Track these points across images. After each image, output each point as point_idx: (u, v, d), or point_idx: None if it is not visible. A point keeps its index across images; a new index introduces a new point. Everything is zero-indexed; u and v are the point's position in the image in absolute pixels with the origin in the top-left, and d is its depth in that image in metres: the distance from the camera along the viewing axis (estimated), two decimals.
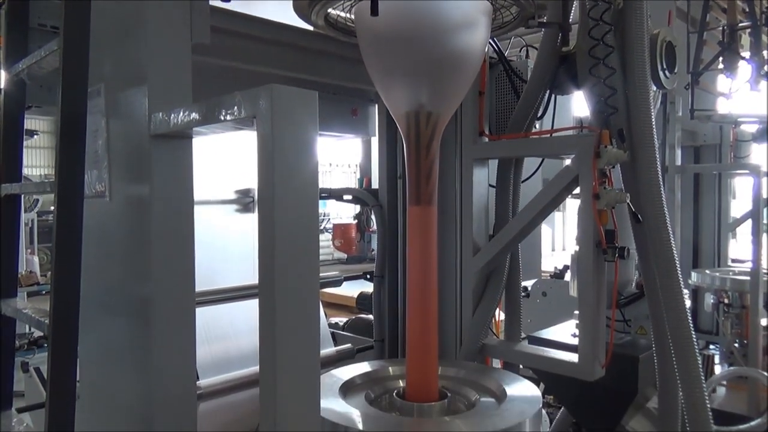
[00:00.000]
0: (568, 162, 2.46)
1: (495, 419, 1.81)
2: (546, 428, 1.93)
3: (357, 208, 16.73)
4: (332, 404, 1.88)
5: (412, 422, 1.90)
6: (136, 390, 1.73)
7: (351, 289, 5.92)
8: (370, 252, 14.74)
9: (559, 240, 17.41)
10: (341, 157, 18.51)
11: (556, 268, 6.33)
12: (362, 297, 3.52)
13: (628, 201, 2.30)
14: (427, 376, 2.01)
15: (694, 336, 2.20)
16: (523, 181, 2.89)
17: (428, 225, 2.02)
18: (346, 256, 15.92)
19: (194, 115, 1.45)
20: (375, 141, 3.22)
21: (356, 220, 16.26)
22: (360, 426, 1.75)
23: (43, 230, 12.01)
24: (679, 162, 5.16)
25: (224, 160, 2.75)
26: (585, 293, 2.32)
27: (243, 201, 2.79)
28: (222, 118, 1.36)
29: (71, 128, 1.53)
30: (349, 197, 3.21)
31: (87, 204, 1.65)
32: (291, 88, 1.25)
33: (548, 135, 2.58)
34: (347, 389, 2.08)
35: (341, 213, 18.39)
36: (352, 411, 1.86)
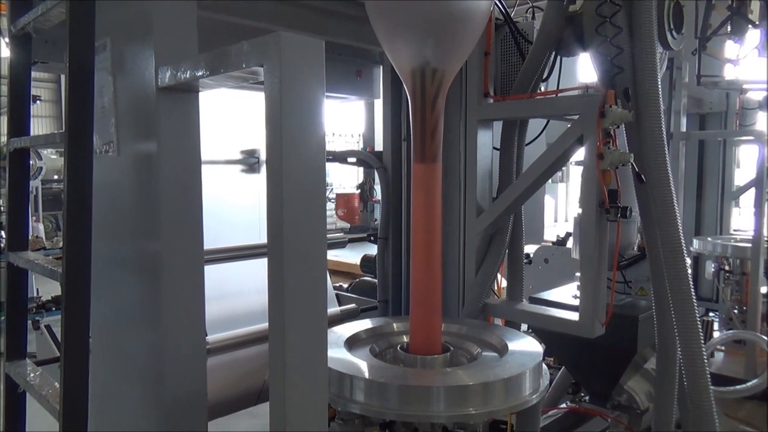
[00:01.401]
0: None
1: (496, 370, 1.86)
2: (546, 381, 1.97)
3: (360, 178, 16.74)
4: (338, 356, 1.92)
5: (415, 372, 1.95)
6: (147, 344, 1.78)
7: (354, 256, 5.97)
8: (373, 222, 14.77)
9: (561, 211, 17.42)
10: (344, 127, 18.42)
11: (558, 236, 6.36)
12: (366, 259, 3.56)
13: (632, 161, 2.31)
14: (430, 329, 2.06)
15: (693, 295, 2.23)
16: (527, 144, 2.90)
17: (433, 182, 2.04)
18: (349, 226, 15.98)
19: (201, 67, 1.45)
20: (379, 106, 3.22)
21: (359, 190, 16.27)
22: (366, 375, 1.80)
23: (47, 198, 12.06)
24: (684, 129, 5.14)
25: (229, 120, 2.76)
26: (587, 252, 2.35)
27: (248, 161, 2.80)
28: (229, 68, 1.36)
29: (80, 78, 1.54)
30: (353, 160, 3.22)
31: (95, 162, 1.67)
32: (298, 36, 1.26)
33: (553, 96, 2.57)
34: (352, 343, 2.13)
35: (344, 183, 18.39)
36: (357, 361, 1.91)
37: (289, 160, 1.26)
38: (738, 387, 4.01)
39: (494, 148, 2.90)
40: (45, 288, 7.90)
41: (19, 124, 1.91)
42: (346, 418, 1.81)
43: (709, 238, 5.35)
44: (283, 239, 1.25)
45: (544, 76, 2.70)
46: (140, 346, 1.83)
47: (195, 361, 1.76)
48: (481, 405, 1.73)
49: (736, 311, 5.15)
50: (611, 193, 2.30)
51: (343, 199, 16.26)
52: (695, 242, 5.24)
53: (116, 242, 1.88)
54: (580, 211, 2.50)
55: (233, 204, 2.79)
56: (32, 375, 1.85)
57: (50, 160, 13.89)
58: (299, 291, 1.28)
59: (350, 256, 7.74)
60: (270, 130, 1.26)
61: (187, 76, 1.51)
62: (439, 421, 1.84)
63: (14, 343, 1.96)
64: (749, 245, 4.78)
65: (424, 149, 2.02)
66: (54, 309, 6.20)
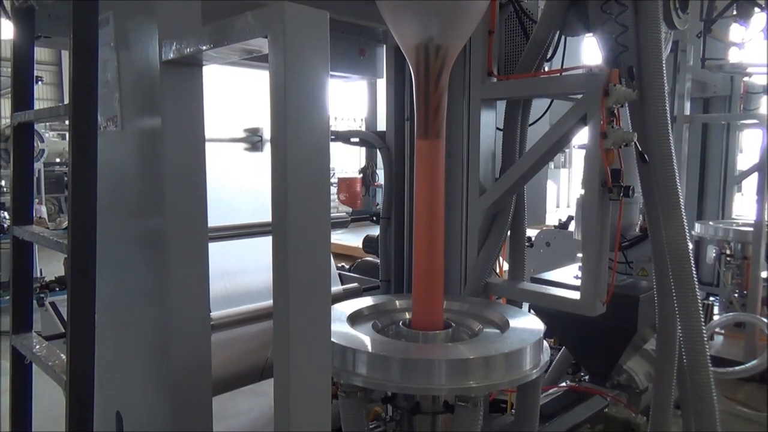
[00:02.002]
0: None
1: (497, 345, 1.88)
2: (547, 357, 1.99)
3: (362, 163, 16.71)
4: (341, 330, 1.94)
5: (417, 347, 1.97)
6: (152, 318, 1.80)
7: (356, 240, 5.99)
8: (375, 206, 14.78)
9: (564, 196, 17.40)
10: (347, 110, 18.35)
11: (560, 219, 6.36)
12: (368, 240, 3.57)
13: (635, 140, 2.31)
14: (432, 305, 2.07)
15: (695, 274, 2.24)
16: (530, 125, 2.89)
17: (436, 158, 2.04)
18: (351, 210, 16.00)
19: (205, 40, 1.45)
20: (381, 88, 3.21)
21: (361, 174, 16.25)
22: (369, 349, 1.82)
23: (50, 180, 12.09)
24: (687, 113, 5.12)
25: (232, 98, 2.76)
26: (589, 231, 2.35)
27: (251, 140, 2.80)
28: (233, 39, 1.36)
29: (83, 52, 1.54)
30: (356, 140, 3.22)
31: (99, 138, 1.67)
32: (302, 7, 1.25)
33: (557, 74, 2.56)
34: (354, 320, 2.15)
35: (346, 167, 18.36)
36: (360, 336, 1.93)
37: (294, 131, 1.26)
38: (737, 368, 4.04)
39: (497, 128, 2.89)
40: (49, 269, 7.96)
41: (23, 98, 1.91)
42: (348, 391, 1.83)
43: (711, 223, 5.36)
44: (287, 216, 1.25)
45: (548, 56, 2.69)
46: (145, 320, 1.85)
47: (199, 335, 1.78)
48: (482, 378, 1.75)
49: (736, 295, 5.18)
50: (614, 172, 2.30)
51: (345, 184, 16.24)
52: (697, 226, 5.25)
53: (121, 218, 1.89)
54: (582, 192, 2.50)
55: (236, 183, 2.80)
56: (38, 347, 1.87)
57: (52, 143, 13.91)
58: (303, 267, 1.29)
59: (352, 239, 7.74)
60: (274, 100, 1.26)
61: (191, 49, 1.51)
62: (441, 394, 1.87)
63: (20, 316, 1.98)
64: (751, 229, 4.78)
65: (427, 125, 2.02)
66: (57, 289, 6.24)
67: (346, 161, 18.44)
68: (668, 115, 2.32)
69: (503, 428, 2.49)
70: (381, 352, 1.81)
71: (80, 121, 1.51)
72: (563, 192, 17.51)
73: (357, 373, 1.79)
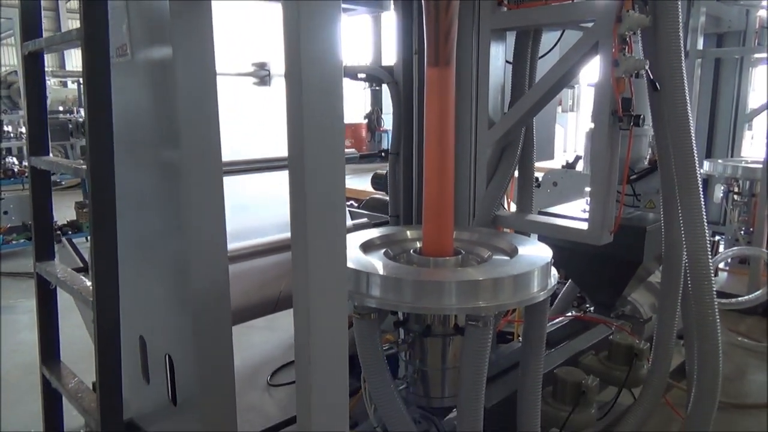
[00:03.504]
0: None
1: (506, 268, 1.92)
2: (554, 281, 2.04)
3: (367, 109, 16.52)
4: (354, 256, 1.99)
5: (428, 270, 2.02)
6: (172, 248, 1.85)
7: (363, 183, 6.00)
8: (381, 152, 14.70)
9: (571, 140, 17.23)
10: (350, 51, 17.97)
11: (567, 160, 6.34)
12: (377, 177, 3.58)
13: (646, 68, 2.29)
14: (442, 232, 2.11)
15: (702, 200, 2.26)
16: (540, 57, 2.86)
17: (446, 86, 2.03)
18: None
19: None
20: (386, 25, 3.14)
21: (366, 120, 16.11)
22: (381, 273, 1.87)
23: (54, 128, 12.03)
24: (700, 48, 5.02)
25: (238, 32, 2.72)
26: (598, 161, 2.36)
27: (259, 74, 2.79)
28: None
29: None
30: (363, 75, 3.18)
31: (111, 71, 1.66)
32: None
33: (569, 2, 2.51)
34: (367, 248, 2.19)
35: (351, 114, 18.16)
36: (373, 261, 1.98)
37: (308, 64, 1.26)
38: (740, 299, 4.11)
39: (507, 61, 2.86)
40: (59, 214, 8.06)
41: (32, 26, 1.90)
42: (362, 313, 1.89)
43: (719, 161, 5.34)
44: (304, 149, 1.27)
45: None
46: (165, 249, 1.90)
47: (218, 263, 1.84)
48: (492, 299, 1.81)
49: (742, 232, 5.21)
50: (625, 101, 2.29)
51: (350, 129, 16.11)
52: (706, 164, 5.24)
53: (136, 150, 1.91)
54: (592, 125, 2.49)
55: (247, 116, 2.79)
56: (62, 274, 1.93)
57: (54, 91, 13.81)
58: (320, 197, 1.33)
59: (358, 183, 7.77)
60: (288, 33, 1.25)
61: None
62: (451, 313, 1.93)
63: (43, 245, 2.04)
64: (760, 167, 4.77)
65: (437, 52, 2.00)
66: (71, 233, 6.35)
67: (351, 108, 18.23)
68: (681, 42, 2.29)
69: (511, 353, 2.58)
70: (393, 275, 1.86)
71: (93, 46, 1.51)
72: (570, 135, 17.33)
73: (371, 295, 1.85)
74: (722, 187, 5.55)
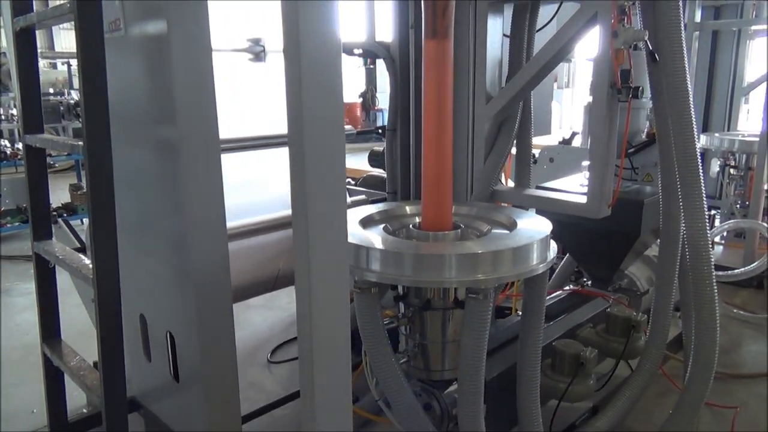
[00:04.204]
0: None
1: (505, 241, 1.93)
2: (553, 254, 2.04)
3: (362, 88, 16.39)
4: (353, 231, 1.99)
5: (428, 244, 2.02)
6: (171, 226, 1.84)
7: (356, 162, 5.98)
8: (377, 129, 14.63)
9: (567, 117, 17.18)
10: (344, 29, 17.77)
11: (563, 137, 6.32)
12: (374, 153, 3.56)
13: (646, 38, 2.27)
14: (441, 206, 2.11)
15: (700, 168, 2.26)
16: (538, 30, 2.83)
17: (444, 58, 2.01)
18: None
19: None
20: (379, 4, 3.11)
21: (361, 99, 15.99)
22: (381, 247, 1.87)
23: (46, 110, 11.89)
24: (698, 20, 4.98)
25: (233, 7, 2.67)
26: (597, 133, 2.35)
27: (254, 50, 2.75)
28: None
29: None
30: (359, 51, 3.15)
31: (105, 45, 1.63)
32: None
33: None
34: (366, 223, 2.19)
35: (345, 93, 18.02)
36: (372, 235, 1.98)
37: (306, 39, 1.24)
38: (736, 271, 4.14)
39: (504, 35, 2.83)
40: (53, 197, 8.02)
41: (22, 1, 1.86)
42: (363, 287, 1.90)
43: (716, 134, 5.34)
44: (303, 125, 1.26)
45: None
46: (164, 227, 1.89)
47: (217, 240, 1.83)
48: (491, 272, 1.81)
49: (738, 206, 5.23)
50: (623, 73, 2.28)
51: (345, 108, 16.00)
52: (702, 138, 5.23)
53: (132, 127, 1.88)
54: (590, 99, 2.48)
55: (243, 94, 2.76)
56: (61, 253, 1.92)
57: (44, 73, 13.64)
58: (320, 173, 1.32)
59: (353, 162, 7.73)
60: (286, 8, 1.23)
61: None
62: (451, 287, 1.93)
63: (41, 224, 2.02)
64: (757, 140, 4.77)
65: (435, 24, 1.98)
66: (66, 215, 6.32)
67: (345, 87, 18.08)
68: (681, 13, 2.27)
69: (510, 326, 2.60)
70: (393, 249, 1.86)
71: (85, 17, 1.48)
72: (566, 112, 17.27)
73: (371, 269, 1.85)
74: (718, 161, 5.55)
